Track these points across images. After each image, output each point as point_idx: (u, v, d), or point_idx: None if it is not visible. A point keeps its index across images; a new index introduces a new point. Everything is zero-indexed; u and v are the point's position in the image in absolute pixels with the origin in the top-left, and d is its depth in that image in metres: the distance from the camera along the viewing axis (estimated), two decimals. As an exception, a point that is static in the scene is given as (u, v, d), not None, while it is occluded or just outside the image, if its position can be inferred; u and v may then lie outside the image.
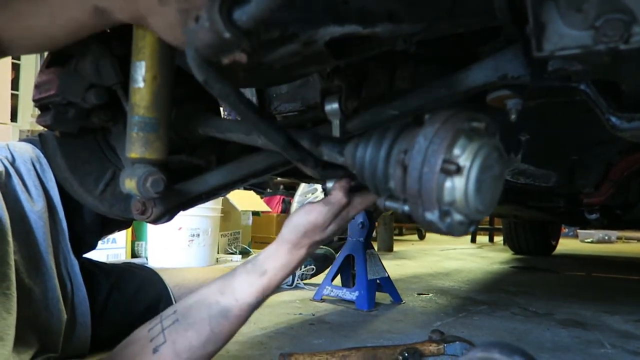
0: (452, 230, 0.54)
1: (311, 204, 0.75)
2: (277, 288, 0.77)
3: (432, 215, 0.53)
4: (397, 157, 0.58)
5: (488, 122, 0.55)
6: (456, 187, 0.51)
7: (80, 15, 0.63)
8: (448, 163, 0.50)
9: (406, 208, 0.57)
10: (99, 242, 1.17)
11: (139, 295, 1.17)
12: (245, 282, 0.75)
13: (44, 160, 0.97)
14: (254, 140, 0.81)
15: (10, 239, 0.81)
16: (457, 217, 0.53)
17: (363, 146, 0.64)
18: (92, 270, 1.13)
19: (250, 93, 1.26)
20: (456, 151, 0.51)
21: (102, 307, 1.08)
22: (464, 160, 0.51)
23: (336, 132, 0.78)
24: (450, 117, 0.53)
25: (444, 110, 0.55)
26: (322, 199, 0.76)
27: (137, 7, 0.57)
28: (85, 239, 1.07)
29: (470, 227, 0.56)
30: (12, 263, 0.79)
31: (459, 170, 0.51)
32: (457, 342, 1.09)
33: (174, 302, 1.22)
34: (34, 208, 0.92)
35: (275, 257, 0.75)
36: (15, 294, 0.78)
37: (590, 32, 0.47)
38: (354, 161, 0.66)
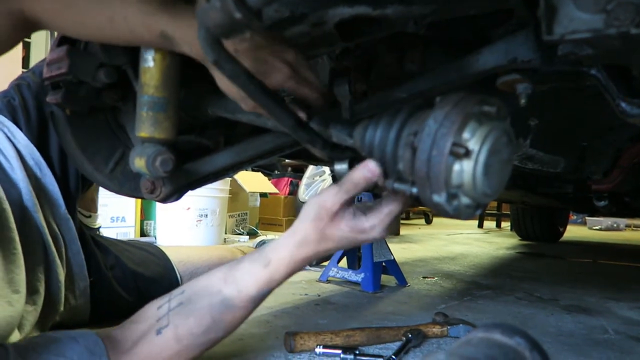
0: (459, 213, 0.54)
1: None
2: (281, 282, 0.73)
3: (439, 198, 0.53)
4: (406, 139, 0.58)
5: (499, 105, 0.55)
6: (464, 170, 0.51)
7: (146, 35, 0.66)
8: (457, 146, 0.51)
9: (414, 190, 0.57)
10: (109, 221, 1.18)
11: (143, 266, 1.19)
12: (248, 273, 0.72)
13: (9, 124, 0.96)
14: (264, 122, 0.81)
15: (7, 206, 0.82)
16: (465, 200, 0.54)
17: (372, 128, 0.64)
18: (98, 240, 1.15)
19: (259, 74, 1.26)
20: (465, 135, 0.51)
21: (107, 275, 1.09)
22: (473, 144, 0.51)
23: (346, 113, 0.77)
24: (461, 100, 0.53)
25: (455, 93, 0.55)
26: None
27: None
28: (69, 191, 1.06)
29: (477, 210, 0.56)
30: (13, 226, 0.81)
31: (467, 153, 0.51)
32: (461, 325, 1.10)
33: (178, 277, 1.24)
34: (14, 170, 0.91)
35: (282, 249, 0.72)
36: (20, 253, 0.80)
37: (601, 16, 0.46)
38: (363, 143, 0.65)
